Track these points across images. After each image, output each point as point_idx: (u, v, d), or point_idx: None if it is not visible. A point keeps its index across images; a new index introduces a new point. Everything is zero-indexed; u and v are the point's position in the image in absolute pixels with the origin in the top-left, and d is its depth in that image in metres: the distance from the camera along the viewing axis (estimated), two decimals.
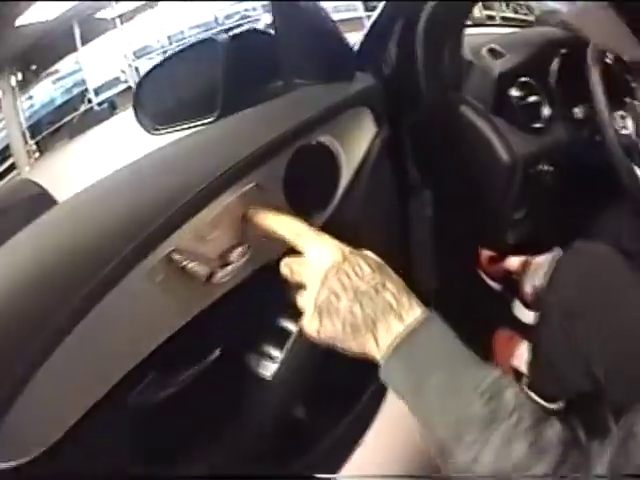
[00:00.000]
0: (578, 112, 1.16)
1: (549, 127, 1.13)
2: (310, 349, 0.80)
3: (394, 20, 1.04)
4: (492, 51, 1.12)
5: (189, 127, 0.94)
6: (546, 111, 1.12)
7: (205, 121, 0.90)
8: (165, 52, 6.81)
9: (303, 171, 0.77)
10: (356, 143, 0.89)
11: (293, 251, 0.65)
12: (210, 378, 0.79)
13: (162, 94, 1.04)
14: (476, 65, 1.10)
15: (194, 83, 1.02)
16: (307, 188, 0.79)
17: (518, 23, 3.86)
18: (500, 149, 1.05)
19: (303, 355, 0.83)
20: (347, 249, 0.61)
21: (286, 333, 0.82)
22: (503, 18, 4.09)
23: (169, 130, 0.99)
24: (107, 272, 0.59)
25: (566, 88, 1.14)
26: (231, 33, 0.96)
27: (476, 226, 1.19)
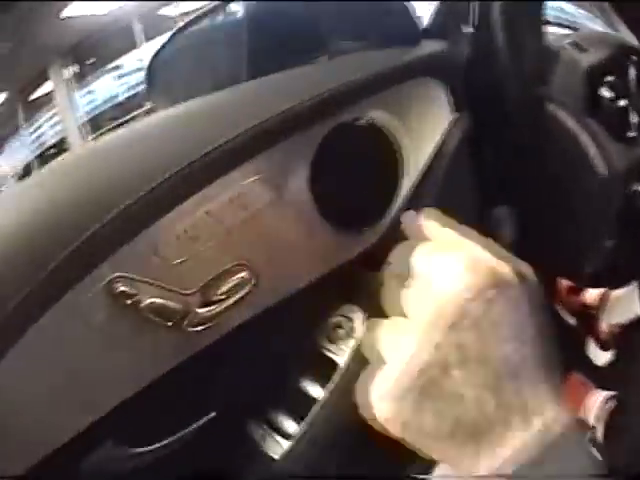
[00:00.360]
0: None
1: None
2: (340, 426, 0.56)
3: None
4: (575, 44, 0.91)
5: None
6: (635, 118, 0.90)
7: None
8: None
9: (343, 163, 0.53)
10: (425, 130, 0.64)
11: (324, 284, 0.50)
12: (193, 452, 0.57)
13: (180, 67, 0.89)
14: (561, 57, 0.88)
15: (214, 54, 0.85)
16: (349, 189, 0.54)
17: None
18: (598, 160, 0.81)
19: (328, 434, 0.57)
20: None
21: (308, 401, 0.57)
22: None
23: None
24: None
25: None
26: None
27: (558, 251, 0.94)
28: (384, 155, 0.58)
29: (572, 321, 1.21)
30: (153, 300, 0.45)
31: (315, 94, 0.51)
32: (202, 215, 0.46)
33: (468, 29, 0.82)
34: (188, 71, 0.89)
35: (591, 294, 1.18)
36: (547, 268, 1.02)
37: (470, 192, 0.76)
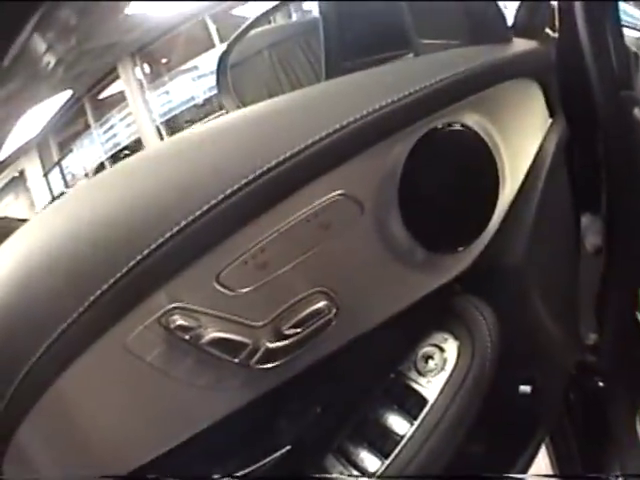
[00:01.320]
0: None
1: None
2: (427, 465, 0.51)
3: None
4: None
5: None
6: None
7: None
8: None
9: (435, 175, 0.48)
10: (523, 137, 0.57)
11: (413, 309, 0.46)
12: None
13: (251, 68, 0.90)
14: None
15: (287, 54, 0.86)
16: (442, 204, 0.49)
17: None
18: None
19: (413, 474, 0.52)
20: None
21: (392, 437, 0.52)
22: None
23: None
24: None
25: None
26: None
27: None
28: (480, 165, 0.51)
29: None
30: (216, 334, 0.41)
31: (402, 96, 0.46)
32: (275, 236, 0.42)
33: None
34: (260, 71, 0.86)
35: None
36: (632, 276, 0.95)
37: (567, 201, 0.69)
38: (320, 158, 0.42)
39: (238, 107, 0.85)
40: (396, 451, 0.52)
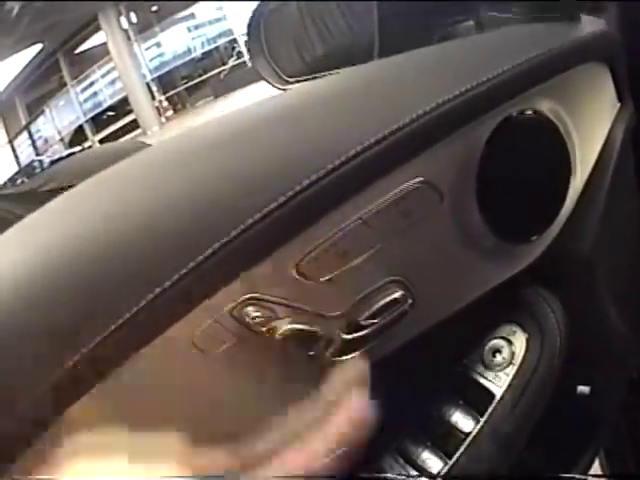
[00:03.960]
0: None
1: None
2: (493, 465, 0.54)
3: None
4: None
5: None
6: None
7: None
8: None
9: (509, 163, 0.50)
10: (593, 124, 0.59)
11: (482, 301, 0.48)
12: None
13: (294, 35, 0.89)
14: None
15: (338, 19, 0.83)
16: (515, 193, 0.51)
17: None
18: None
19: (480, 475, 0.55)
20: None
21: (457, 435, 0.54)
22: None
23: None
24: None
25: None
26: None
27: None
28: (553, 153, 0.53)
29: None
30: (292, 326, 0.42)
31: (486, 79, 0.47)
32: (356, 224, 0.43)
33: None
34: (288, 25, 0.86)
35: None
36: None
37: (635, 188, 0.71)
38: (405, 144, 0.43)
39: (274, 72, 0.86)
40: (461, 450, 0.54)
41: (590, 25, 0.64)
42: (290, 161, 0.43)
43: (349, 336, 0.45)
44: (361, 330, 0.45)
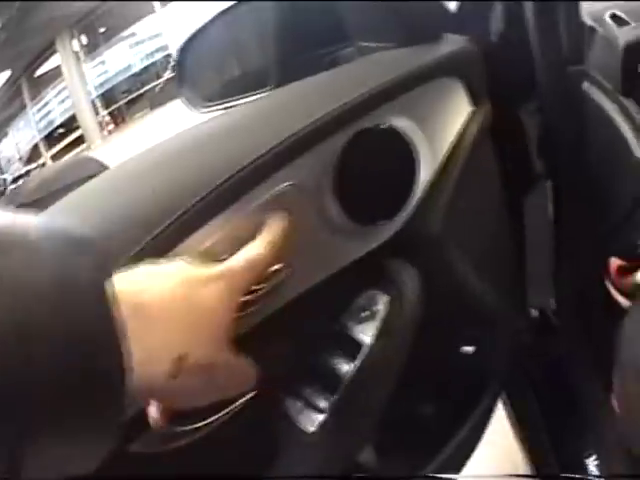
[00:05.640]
0: None
1: None
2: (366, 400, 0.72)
3: None
4: (615, 17, 0.95)
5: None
6: None
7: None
8: None
9: (363, 164, 0.67)
10: (442, 127, 0.77)
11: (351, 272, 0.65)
12: (234, 428, 0.69)
13: (208, 63, 1.02)
14: (598, 33, 0.94)
15: (243, 50, 0.99)
16: (369, 188, 0.68)
17: None
18: (634, 143, 0.89)
19: (357, 406, 0.72)
20: None
21: (337, 378, 0.71)
22: None
23: (218, 107, 0.97)
24: None
25: None
26: None
27: (605, 230, 1.04)
28: (401, 154, 0.71)
29: (625, 302, 1.25)
30: None
31: (338, 104, 0.65)
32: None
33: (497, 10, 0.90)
34: (217, 64, 1.01)
35: None
36: (597, 246, 1.11)
37: (493, 180, 0.88)
38: (278, 158, 0.62)
39: (192, 97, 0.99)
40: (341, 389, 0.70)
41: (450, 44, 0.82)
42: (195, 176, 0.61)
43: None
44: (252, 293, 0.60)
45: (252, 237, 0.58)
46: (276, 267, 0.62)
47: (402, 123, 0.70)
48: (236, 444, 0.72)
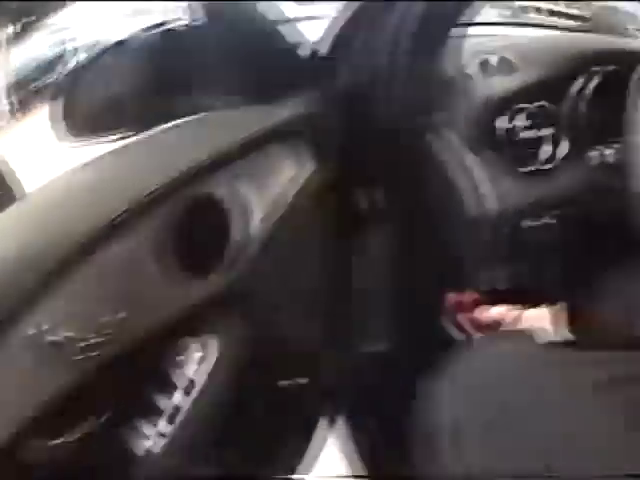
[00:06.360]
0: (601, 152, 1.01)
1: (559, 170, 0.98)
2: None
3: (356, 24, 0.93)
4: (484, 65, 0.98)
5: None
6: (559, 149, 0.98)
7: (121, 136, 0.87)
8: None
9: (192, 226, 0.77)
10: (268, 187, 0.84)
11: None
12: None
13: (87, 97, 1.06)
14: (458, 84, 0.96)
15: (116, 86, 1.02)
16: (197, 246, 0.78)
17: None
18: (467, 198, 0.94)
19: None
20: None
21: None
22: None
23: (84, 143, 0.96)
24: None
25: (593, 119, 0.98)
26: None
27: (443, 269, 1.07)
28: (212, 220, 0.80)
29: (457, 335, 1.25)
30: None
31: (175, 174, 0.75)
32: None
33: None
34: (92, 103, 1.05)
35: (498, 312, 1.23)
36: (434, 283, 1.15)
37: (315, 232, 0.92)
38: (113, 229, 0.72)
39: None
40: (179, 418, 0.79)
41: (292, 108, 0.86)
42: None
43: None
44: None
45: None
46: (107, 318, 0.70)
47: (221, 192, 0.79)
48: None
